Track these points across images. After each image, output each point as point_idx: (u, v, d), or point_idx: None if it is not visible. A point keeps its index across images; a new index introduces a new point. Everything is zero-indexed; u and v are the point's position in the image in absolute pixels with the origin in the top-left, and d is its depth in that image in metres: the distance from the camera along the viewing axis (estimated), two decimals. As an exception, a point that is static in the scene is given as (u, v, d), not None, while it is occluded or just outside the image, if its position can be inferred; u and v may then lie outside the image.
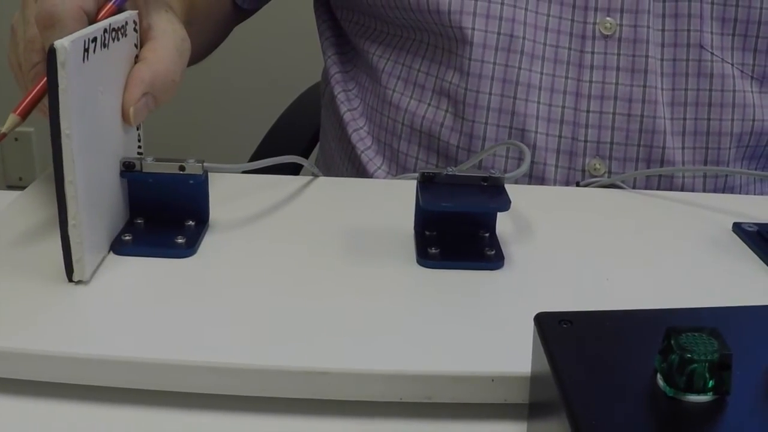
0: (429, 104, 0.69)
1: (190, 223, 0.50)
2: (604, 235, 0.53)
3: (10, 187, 1.75)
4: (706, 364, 0.29)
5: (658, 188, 0.68)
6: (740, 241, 0.53)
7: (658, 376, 0.30)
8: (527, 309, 0.36)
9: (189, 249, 0.48)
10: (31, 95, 0.47)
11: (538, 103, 0.66)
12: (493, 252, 0.47)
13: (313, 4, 0.82)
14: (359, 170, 0.74)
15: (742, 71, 0.67)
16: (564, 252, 0.50)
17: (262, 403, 0.38)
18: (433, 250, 0.47)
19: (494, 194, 0.47)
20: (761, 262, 0.50)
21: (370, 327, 0.41)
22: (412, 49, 0.71)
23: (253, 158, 0.95)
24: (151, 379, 0.38)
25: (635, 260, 0.50)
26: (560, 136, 0.67)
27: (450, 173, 0.48)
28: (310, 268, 0.47)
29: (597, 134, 0.66)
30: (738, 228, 0.54)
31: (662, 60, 0.66)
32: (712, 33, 0.66)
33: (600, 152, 0.67)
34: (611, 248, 0.51)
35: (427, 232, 0.49)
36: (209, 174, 0.50)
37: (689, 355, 0.29)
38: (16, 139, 1.73)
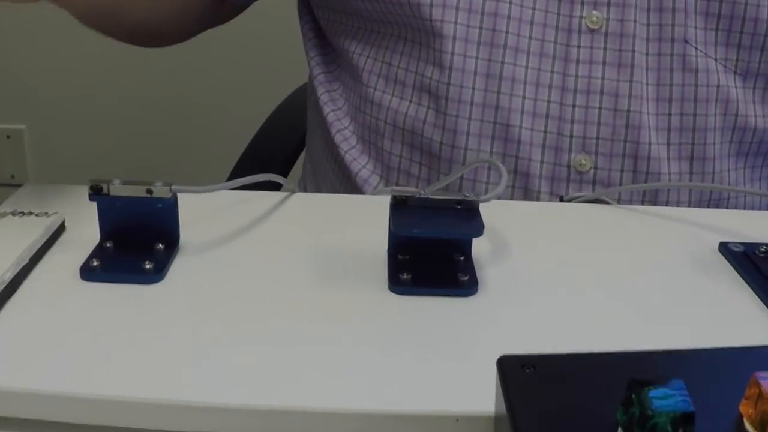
0: (410, 101, 0.68)
1: (160, 246, 0.49)
2: (584, 255, 0.52)
3: (2, 185, 1.75)
4: (669, 419, 0.28)
5: (645, 196, 0.66)
6: (726, 261, 0.52)
7: (620, 430, 0.29)
8: (498, 341, 0.35)
9: (157, 275, 0.47)
10: None
11: (523, 97, 0.65)
12: (466, 278, 0.46)
13: (297, 5, 0.80)
14: (344, 171, 0.73)
15: (725, 66, 0.66)
16: (542, 275, 0.49)
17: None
18: (404, 276, 0.46)
19: (468, 218, 0.46)
20: (746, 285, 0.49)
21: (334, 362, 0.40)
22: (390, 45, 0.70)
23: (241, 160, 0.94)
24: (91, 416, 0.37)
25: (614, 284, 0.49)
26: (545, 132, 0.65)
27: (422, 196, 0.47)
28: (276, 294, 0.46)
29: (583, 129, 0.65)
30: (724, 248, 0.53)
31: (647, 55, 0.65)
32: (696, 28, 0.64)
33: (586, 147, 0.66)
34: (591, 270, 0.50)
35: (399, 256, 0.48)
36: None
37: (650, 411, 0.28)
38: (8, 137, 1.72)
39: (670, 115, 0.66)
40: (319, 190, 0.80)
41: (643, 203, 0.66)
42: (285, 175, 0.92)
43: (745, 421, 0.30)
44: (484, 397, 0.35)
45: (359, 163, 0.72)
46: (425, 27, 0.66)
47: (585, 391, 0.32)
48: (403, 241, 0.48)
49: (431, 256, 0.48)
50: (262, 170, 0.92)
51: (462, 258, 0.48)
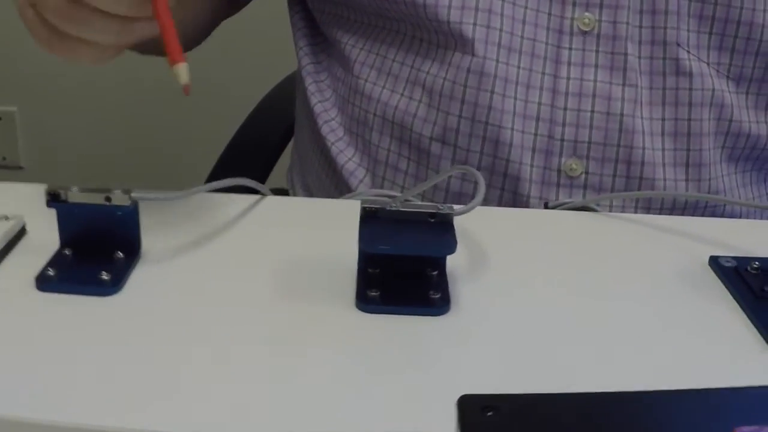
0: (402, 94, 0.66)
1: (120, 255, 0.47)
2: (566, 270, 0.49)
3: (-6, 167, 1.74)
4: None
5: (639, 202, 0.64)
6: (716, 277, 0.49)
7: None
8: (465, 367, 0.32)
9: (113, 287, 0.45)
10: (169, 35, 0.45)
11: (515, 98, 0.63)
12: (438, 295, 0.43)
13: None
14: (330, 163, 0.71)
15: (718, 71, 0.63)
16: (520, 291, 0.46)
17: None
18: (372, 293, 0.43)
19: (441, 233, 0.43)
20: (735, 303, 0.46)
21: (287, 387, 0.38)
22: (387, 39, 0.68)
23: (228, 149, 0.91)
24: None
25: (596, 302, 0.46)
26: (536, 134, 0.63)
27: (393, 208, 0.44)
28: (236, 311, 0.43)
29: (574, 133, 0.63)
30: (714, 262, 0.50)
31: (640, 58, 0.63)
32: (688, 31, 0.62)
33: (577, 152, 0.63)
34: (573, 285, 0.47)
35: (369, 270, 0.45)
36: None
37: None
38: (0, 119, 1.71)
39: (663, 119, 0.63)
40: (305, 182, 0.78)
41: (636, 209, 0.64)
42: (272, 164, 0.90)
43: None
44: (447, 427, 0.33)
45: (345, 155, 0.70)
46: (426, 25, 0.64)
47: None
48: (373, 254, 0.45)
49: (403, 271, 0.45)
50: (250, 160, 0.90)
51: (435, 273, 0.45)
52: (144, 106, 1.67)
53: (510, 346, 0.41)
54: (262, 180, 0.90)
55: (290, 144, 0.92)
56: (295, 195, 0.79)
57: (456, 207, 0.45)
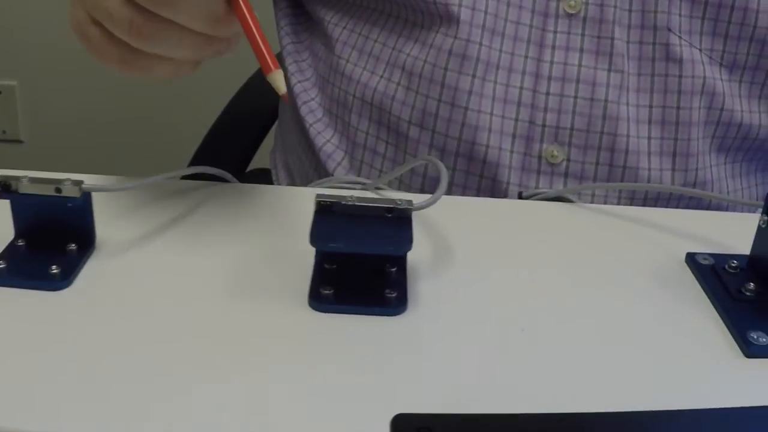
0: (381, 76, 0.64)
1: (73, 247, 0.46)
2: (535, 264, 0.47)
3: (-5, 140, 1.73)
4: None
5: (622, 191, 0.61)
6: (692, 275, 0.47)
7: None
8: (411, 378, 0.30)
9: (63, 281, 0.44)
10: (258, 46, 0.43)
11: (495, 82, 0.61)
12: (394, 294, 0.42)
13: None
14: (309, 144, 0.70)
15: (710, 57, 0.60)
16: (482, 288, 0.44)
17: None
18: (326, 291, 0.42)
19: (397, 229, 0.41)
20: (710, 304, 0.44)
21: (225, 399, 0.36)
22: (371, 18, 0.66)
23: (211, 132, 0.90)
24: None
25: (563, 300, 0.44)
26: (517, 119, 0.61)
27: (350, 203, 0.42)
28: (187, 308, 0.42)
29: (556, 119, 0.61)
30: (691, 260, 0.48)
31: (629, 42, 0.60)
32: (680, 15, 0.59)
33: (559, 138, 0.61)
34: (539, 282, 0.46)
35: (326, 265, 0.44)
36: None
37: None
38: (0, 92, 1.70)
39: (651, 107, 0.61)
40: (287, 164, 0.77)
41: (619, 199, 0.62)
42: (257, 145, 0.88)
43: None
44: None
45: (324, 137, 0.68)
46: (412, 5, 0.62)
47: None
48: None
49: (360, 268, 0.43)
50: (235, 140, 0.89)
51: (394, 269, 0.44)
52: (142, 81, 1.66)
53: (464, 352, 0.40)
54: (247, 161, 0.88)
55: (275, 125, 0.90)
56: (277, 176, 0.78)
57: (416, 201, 0.43)
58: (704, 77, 0.60)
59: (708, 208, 0.63)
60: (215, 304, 0.42)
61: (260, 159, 0.90)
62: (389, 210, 0.42)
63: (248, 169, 0.90)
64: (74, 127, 1.72)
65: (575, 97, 0.60)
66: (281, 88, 0.41)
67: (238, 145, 0.87)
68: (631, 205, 0.62)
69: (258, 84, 0.93)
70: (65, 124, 1.71)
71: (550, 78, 0.60)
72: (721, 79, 0.61)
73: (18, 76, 1.68)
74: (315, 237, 0.40)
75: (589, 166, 0.61)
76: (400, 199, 0.42)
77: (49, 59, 1.63)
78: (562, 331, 0.42)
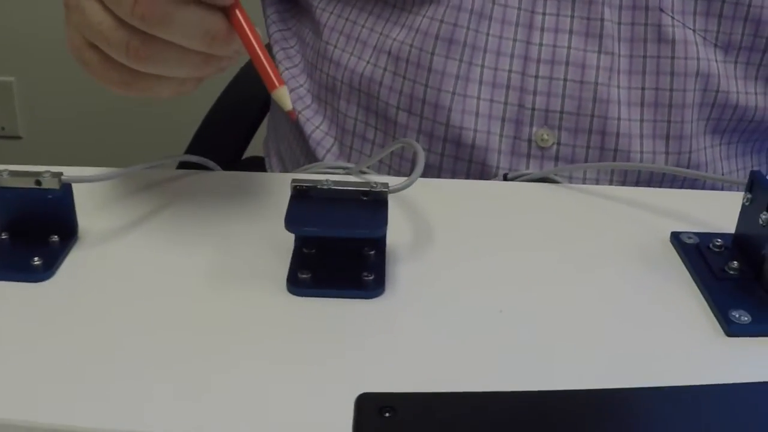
0: (368, 62, 0.64)
1: (55, 239, 0.46)
2: (516, 245, 0.47)
3: (-7, 137, 1.74)
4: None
5: (614, 175, 0.61)
6: (676, 254, 0.47)
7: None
8: (390, 361, 0.30)
9: (45, 272, 0.44)
10: (260, 63, 0.42)
11: (483, 66, 0.60)
12: (371, 277, 0.42)
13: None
14: (299, 131, 0.70)
15: (704, 38, 0.59)
16: (462, 270, 0.44)
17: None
18: (304, 275, 0.42)
19: (373, 212, 0.41)
20: (693, 283, 0.44)
21: (202, 382, 0.36)
22: (358, 3, 0.66)
23: (205, 122, 0.90)
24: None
25: (541, 281, 0.44)
26: (505, 103, 0.61)
27: (325, 187, 0.42)
28: (167, 295, 0.42)
29: (546, 102, 0.60)
30: (675, 239, 0.48)
31: (620, 24, 0.59)
32: None
33: (548, 122, 0.60)
34: (520, 263, 0.45)
35: (305, 249, 0.44)
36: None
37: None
38: (-3, 88, 1.70)
39: (643, 89, 0.60)
40: (279, 152, 0.77)
41: (611, 183, 0.61)
42: (250, 136, 0.88)
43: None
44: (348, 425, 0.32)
45: (313, 123, 0.69)
46: None
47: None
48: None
49: (338, 252, 0.43)
50: (227, 133, 0.89)
51: (372, 253, 0.44)
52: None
53: (440, 334, 0.40)
54: (242, 150, 0.88)
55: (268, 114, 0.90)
56: (270, 164, 0.78)
57: (392, 183, 0.43)
58: (698, 58, 0.59)
59: (703, 188, 0.63)
60: (195, 291, 0.42)
61: (256, 148, 0.90)
62: (365, 193, 0.42)
63: (243, 158, 0.90)
64: (72, 122, 1.72)
65: (565, 80, 0.60)
66: (287, 104, 0.41)
67: (233, 134, 0.88)
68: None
69: (251, 74, 0.93)
70: (63, 119, 1.72)
71: (539, 61, 0.60)
72: (716, 60, 0.60)
73: (15, 72, 1.69)
74: (290, 221, 0.41)
75: (580, 150, 0.60)
76: (375, 182, 0.42)
77: (46, 55, 1.63)
78: (542, 311, 0.42)
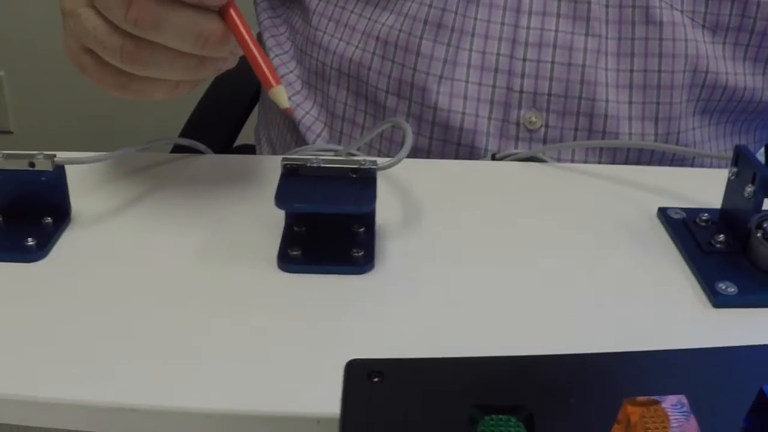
0: (357, 46, 0.65)
1: (48, 220, 0.46)
2: (506, 224, 0.48)
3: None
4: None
5: (602, 156, 0.61)
6: (663, 229, 0.47)
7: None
8: (380, 333, 0.30)
9: (39, 252, 0.44)
10: (256, 62, 0.43)
11: (470, 50, 0.61)
12: (361, 253, 0.42)
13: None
14: (290, 119, 0.70)
15: (692, 19, 0.60)
16: (451, 247, 0.45)
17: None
18: (294, 252, 0.42)
19: (362, 189, 0.42)
20: (680, 257, 0.44)
21: (195, 355, 0.37)
22: None
23: (197, 109, 0.90)
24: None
25: (531, 257, 0.45)
26: (494, 86, 0.61)
27: (314, 165, 0.43)
28: (161, 273, 0.43)
29: (533, 85, 0.61)
30: (663, 214, 0.48)
31: (607, 6, 0.60)
32: None
33: (537, 104, 0.61)
34: (509, 241, 0.46)
35: (295, 228, 0.44)
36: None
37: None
38: (-12, 83, 1.70)
39: (632, 71, 0.60)
40: (270, 138, 0.77)
41: (600, 163, 0.62)
42: (241, 124, 0.89)
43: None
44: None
45: (303, 109, 0.69)
46: None
47: (434, 409, 0.28)
48: (295, 212, 0.44)
49: (328, 228, 0.44)
50: (218, 120, 0.89)
51: (362, 230, 0.44)
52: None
53: (428, 307, 0.40)
54: (233, 138, 0.89)
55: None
56: (260, 150, 0.78)
57: (380, 161, 0.43)
58: (686, 40, 0.60)
59: (691, 167, 0.63)
60: (188, 269, 0.43)
61: (248, 137, 0.91)
62: (354, 170, 0.43)
63: (234, 145, 0.90)
64: (63, 116, 1.72)
65: (552, 63, 0.60)
66: (283, 102, 0.42)
67: (224, 122, 0.88)
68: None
69: (242, 61, 0.93)
70: (54, 114, 1.72)
71: (526, 44, 0.60)
72: (704, 42, 0.61)
73: (5, 67, 1.69)
74: (280, 198, 0.41)
75: (568, 132, 0.61)
76: (364, 159, 0.43)
77: (36, 49, 1.63)
78: (530, 285, 0.42)
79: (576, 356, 0.30)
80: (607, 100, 0.60)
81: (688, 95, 0.61)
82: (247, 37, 0.42)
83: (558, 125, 0.61)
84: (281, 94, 0.42)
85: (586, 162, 0.62)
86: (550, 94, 0.61)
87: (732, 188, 0.47)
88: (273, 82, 0.42)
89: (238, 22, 0.42)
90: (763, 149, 0.75)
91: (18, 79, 1.70)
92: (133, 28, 0.40)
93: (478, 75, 0.61)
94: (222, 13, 0.41)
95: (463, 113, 0.61)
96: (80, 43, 0.44)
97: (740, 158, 0.45)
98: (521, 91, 0.61)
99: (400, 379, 0.29)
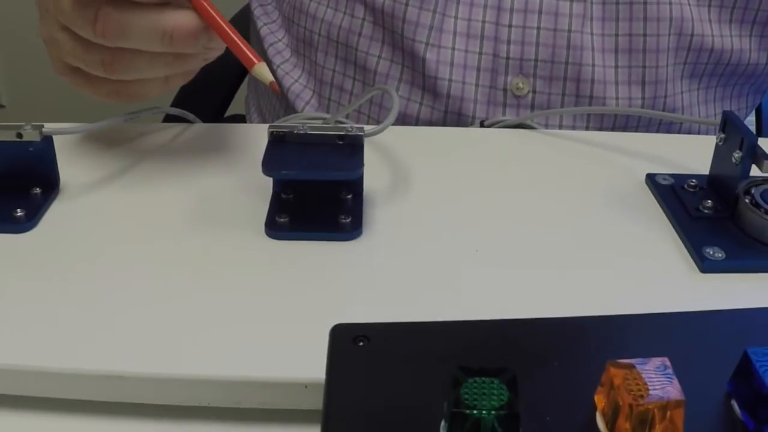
0: (345, 13, 0.65)
1: (37, 191, 0.46)
2: (494, 190, 0.48)
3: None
4: (494, 418, 0.24)
5: (590, 122, 0.61)
6: (651, 195, 0.47)
7: (443, 424, 0.26)
8: (367, 298, 0.31)
9: (28, 222, 0.44)
10: (234, 46, 0.44)
11: (456, 17, 0.61)
12: (348, 220, 0.42)
13: None
14: (279, 85, 0.70)
15: None
16: (439, 212, 0.45)
17: (66, 405, 0.35)
18: (282, 219, 0.42)
19: (349, 155, 0.42)
20: (668, 222, 0.45)
21: (183, 322, 0.37)
22: None
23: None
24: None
25: (518, 222, 0.45)
26: (480, 53, 0.61)
27: (301, 132, 0.42)
28: (148, 241, 0.43)
29: (520, 51, 0.61)
30: (651, 180, 0.48)
31: None
32: None
33: (523, 70, 0.61)
34: (496, 206, 0.46)
35: (283, 195, 0.44)
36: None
37: (467, 411, 0.24)
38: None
39: (617, 35, 0.60)
40: (259, 107, 0.77)
41: (587, 129, 0.62)
42: (232, 94, 0.88)
43: (598, 414, 0.27)
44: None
45: (292, 77, 0.69)
46: None
47: (419, 373, 0.28)
48: (283, 179, 0.44)
49: (316, 195, 0.44)
50: (209, 90, 0.89)
51: (350, 196, 0.44)
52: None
53: (415, 273, 0.40)
54: (224, 107, 0.88)
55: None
56: (251, 120, 0.78)
57: (367, 128, 0.43)
58: (671, 3, 0.60)
59: (679, 132, 0.63)
60: (176, 237, 0.43)
61: (239, 107, 0.91)
62: (341, 137, 0.43)
63: (226, 115, 0.90)
64: (55, 91, 1.71)
65: (538, 28, 0.60)
66: (267, 77, 0.42)
67: (215, 92, 0.88)
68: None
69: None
70: (46, 87, 1.70)
71: (512, 10, 0.60)
72: (689, 4, 0.61)
73: (-3, 43, 1.68)
74: (267, 165, 0.41)
75: (555, 97, 0.61)
76: (351, 126, 0.43)
77: (28, 24, 1.61)
78: (518, 250, 0.42)
79: (561, 320, 0.30)
80: (593, 65, 0.60)
81: (674, 59, 0.61)
82: (220, 21, 0.43)
83: (545, 91, 0.61)
84: (264, 71, 0.43)
85: (574, 128, 0.62)
86: (536, 60, 0.61)
87: (720, 154, 0.47)
88: (254, 59, 0.43)
89: (208, 6, 0.43)
90: (753, 113, 0.75)
91: (10, 53, 1.68)
92: (105, 41, 0.43)
93: (464, 42, 0.61)
94: (192, 4, 0.42)
95: (450, 80, 0.61)
96: (66, 63, 0.46)
97: (728, 124, 0.45)
98: (508, 58, 0.61)
99: (385, 343, 0.29)
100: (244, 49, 0.43)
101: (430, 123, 0.62)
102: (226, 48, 0.44)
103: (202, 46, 0.43)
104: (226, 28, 0.43)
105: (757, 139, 0.43)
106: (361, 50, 0.64)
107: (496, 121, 0.57)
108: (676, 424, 0.25)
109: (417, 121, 0.63)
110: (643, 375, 0.26)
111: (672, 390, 0.26)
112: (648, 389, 0.26)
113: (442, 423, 0.26)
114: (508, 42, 0.60)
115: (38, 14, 0.48)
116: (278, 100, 0.71)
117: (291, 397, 0.34)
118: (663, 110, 0.62)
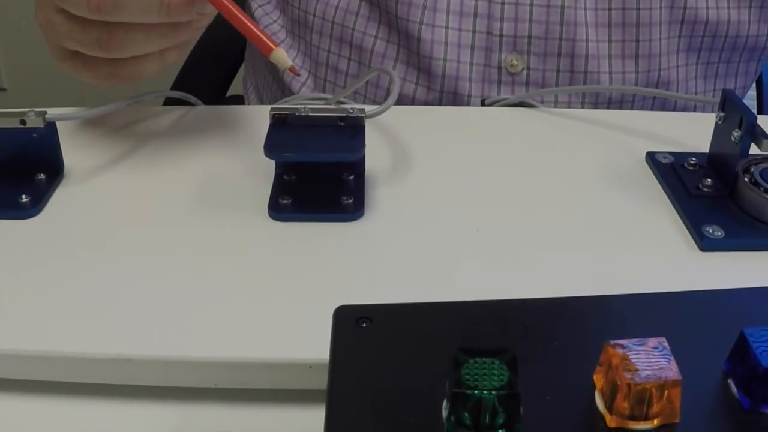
0: None
1: (41, 176, 0.47)
2: (496, 169, 0.48)
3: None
4: (494, 397, 0.25)
5: (585, 98, 0.61)
6: (651, 173, 0.47)
7: (444, 404, 0.26)
8: (370, 279, 0.32)
9: (33, 208, 0.45)
10: (249, 31, 0.44)
11: None
12: (351, 200, 0.43)
13: None
14: (275, 66, 0.70)
15: None
16: (441, 192, 0.45)
17: (73, 388, 0.36)
18: (284, 201, 0.43)
19: (350, 137, 0.42)
20: (668, 201, 0.45)
21: (189, 305, 0.38)
22: None
23: (185, 66, 0.89)
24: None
25: (519, 202, 0.45)
26: (474, 31, 0.61)
27: (303, 114, 0.43)
28: (153, 225, 0.43)
29: (513, 28, 0.61)
30: (651, 158, 0.49)
31: None
32: None
33: (517, 47, 0.61)
34: (498, 186, 0.46)
35: (285, 177, 0.45)
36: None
37: (468, 391, 0.25)
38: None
39: (610, 9, 0.60)
40: (257, 87, 0.77)
41: (583, 105, 0.62)
42: (232, 75, 0.89)
43: (596, 393, 0.27)
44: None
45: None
46: None
47: (425, 353, 0.29)
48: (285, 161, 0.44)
49: (318, 178, 0.44)
50: (209, 72, 0.89)
51: (352, 177, 0.44)
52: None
53: (418, 252, 0.41)
54: (224, 88, 0.88)
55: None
56: (248, 100, 0.78)
57: (368, 108, 0.44)
58: None
59: (674, 109, 0.63)
60: (180, 219, 0.43)
61: (239, 87, 0.91)
62: (342, 119, 0.43)
63: (226, 96, 0.90)
64: (56, 72, 1.70)
65: (531, 5, 0.60)
66: (286, 62, 0.43)
67: (215, 73, 0.88)
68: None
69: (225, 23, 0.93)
70: (48, 70, 1.70)
71: None
72: None
73: (-4, 24, 1.67)
74: (269, 148, 0.41)
75: (550, 74, 0.61)
76: (352, 108, 0.43)
77: (29, 7, 1.61)
78: (519, 229, 0.43)
79: (560, 299, 0.31)
80: (587, 40, 0.60)
81: (668, 32, 0.61)
82: (234, 10, 0.43)
83: (539, 67, 0.61)
84: (282, 56, 0.43)
85: (569, 105, 0.62)
86: (530, 37, 0.61)
87: (719, 133, 0.47)
88: (271, 45, 0.43)
89: None
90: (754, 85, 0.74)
91: (11, 36, 1.68)
92: (99, 15, 0.42)
93: (457, 20, 0.61)
94: None
95: (445, 59, 0.61)
96: (63, 48, 0.47)
97: (727, 103, 0.45)
98: (501, 35, 0.61)
99: (387, 324, 0.29)
100: (261, 35, 0.43)
101: (425, 103, 0.62)
102: (225, 28, 0.44)
103: (195, 12, 0.44)
104: (241, 16, 0.43)
105: (756, 118, 0.43)
106: (357, 30, 0.64)
107: (496, 99, 0.58)
108: (673, 403, 0.26)
109: (413, 102, 0.63)
110: (641, 354, 0.26)
111: (669, 369, 0.26)
112: (646, 369, 0.26)
113: (444, 402, 0.26)
114: (502, 19, 0.60)
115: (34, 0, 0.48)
116: (275, 81, 0.71)
117: (296, 378, 0.34)
118: (657, 84, 0.62)
